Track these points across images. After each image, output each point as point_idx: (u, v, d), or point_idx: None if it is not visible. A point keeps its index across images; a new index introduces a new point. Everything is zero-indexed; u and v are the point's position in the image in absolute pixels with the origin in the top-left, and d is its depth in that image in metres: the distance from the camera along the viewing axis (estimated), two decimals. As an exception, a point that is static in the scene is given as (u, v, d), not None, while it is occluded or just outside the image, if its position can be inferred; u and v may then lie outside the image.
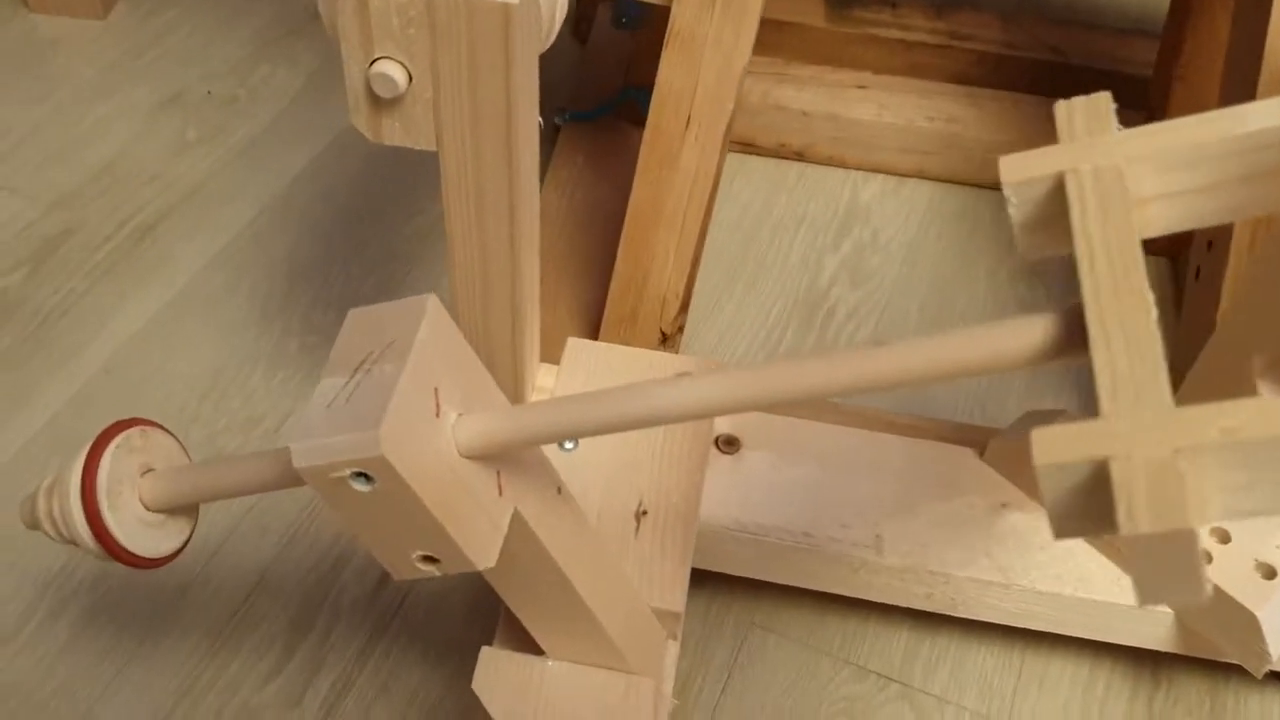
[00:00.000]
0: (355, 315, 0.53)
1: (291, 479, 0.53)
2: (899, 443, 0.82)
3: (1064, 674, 0.83)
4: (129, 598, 0.82)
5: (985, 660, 0.84)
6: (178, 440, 0.59)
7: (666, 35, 0.80)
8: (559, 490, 0.60)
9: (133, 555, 0.56)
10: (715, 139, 0.82)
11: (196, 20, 1.27)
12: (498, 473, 0.54)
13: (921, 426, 0.85)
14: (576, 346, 0.80)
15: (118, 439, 0.56)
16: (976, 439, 0.83)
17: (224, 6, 1.29)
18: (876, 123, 1.14)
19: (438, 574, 0.53)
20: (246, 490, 0.55)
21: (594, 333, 0.92)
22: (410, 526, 0.51)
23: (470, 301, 0.69)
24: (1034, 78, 1.19)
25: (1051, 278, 1.09)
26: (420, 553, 0.52)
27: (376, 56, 0.58)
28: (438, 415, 0.51)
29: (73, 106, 1.16)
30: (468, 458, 0.52)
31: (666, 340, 0.88)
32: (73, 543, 0.57)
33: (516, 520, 0.55)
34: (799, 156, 1.16)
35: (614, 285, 0.86)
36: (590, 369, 0.80)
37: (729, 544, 0.77)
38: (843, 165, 1.17)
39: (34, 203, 1.07)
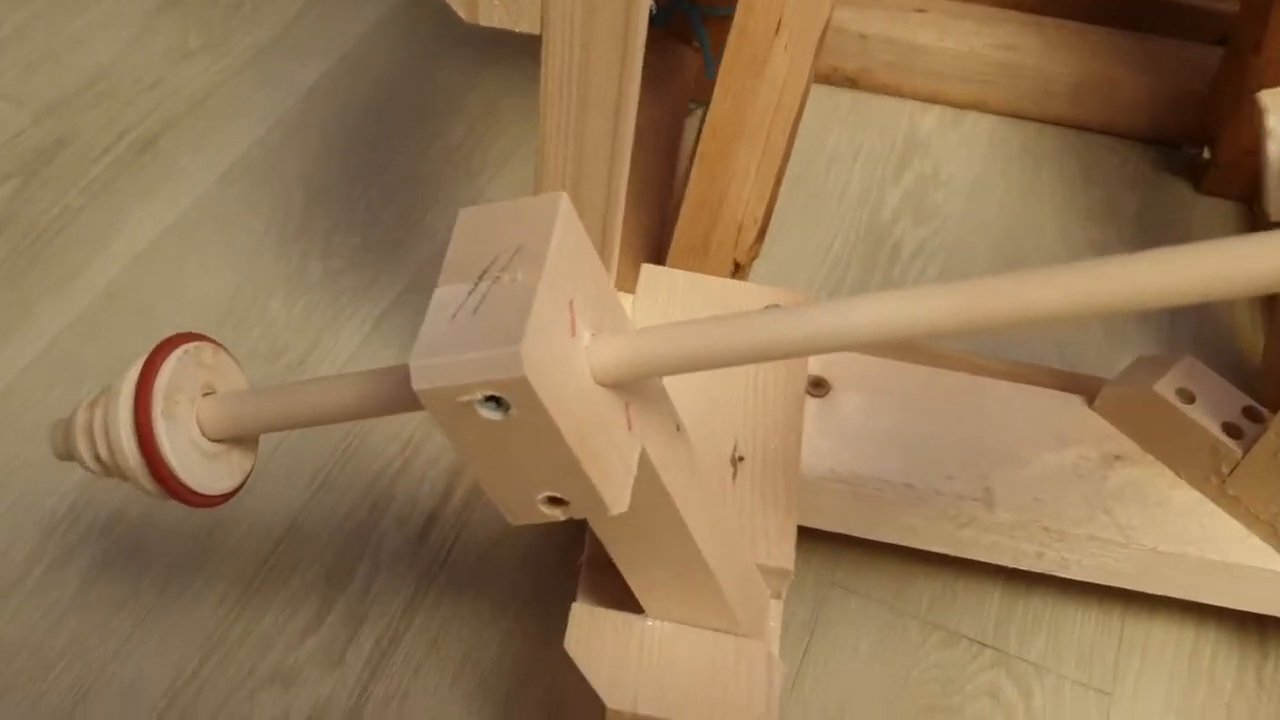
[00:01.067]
0: (469, 215, 0.45)
1: (397, 403, 0.45)
2: (1001, 388, 0.75)
3: (1167, 640, 0.77)
4: (145, 542, 0.74)
5: (1083, 625, 0.77)
6: (244, 375, 0.51)
7: (759, -72, 0.72)
8: (678, 428, 0.52)
9: (182, 486, 0.48)
10: (808, 45, 0.73)
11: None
12: (626, 405, 0.46)
13: (1017, 371, 0.78)
14: (652, 274, 0.72)
15: (187, 346, 0.48)
16: (1078, 386, 0.77)
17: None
18: (937, 48, 1.06)
19: (561, 518, 0.46)
20: (333, 417, 0.47)
21: (653, 261, 0.83)
22: (541, 462, 0.43)
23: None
24: (1097, 6, 1.12)
25: (1124, 220, 1.02)
26: (547, 494, 0.45)
27: (483, -86, 0.50)
28: (573, 334, 0.43)
29: (62, 7, 1.06)
30: (600, 384, 0.44)
31: (739, 270, 0.80)
32: (114, 471, 0.48)
33: (641, 460, 0.48)
34: (852, 83, 1.08)
35: (686, 208, 0.78)
36: (668, 298, 0.72)
37: (822, 495, 0.70)
38: (898, 94, 1.09)
39: (21, 109, 0.97)
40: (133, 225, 0.90)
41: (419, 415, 0.81)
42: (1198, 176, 1.05)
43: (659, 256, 0.84)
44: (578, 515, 0.45)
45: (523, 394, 0.40)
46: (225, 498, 0.50)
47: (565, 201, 0.44)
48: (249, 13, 1.09)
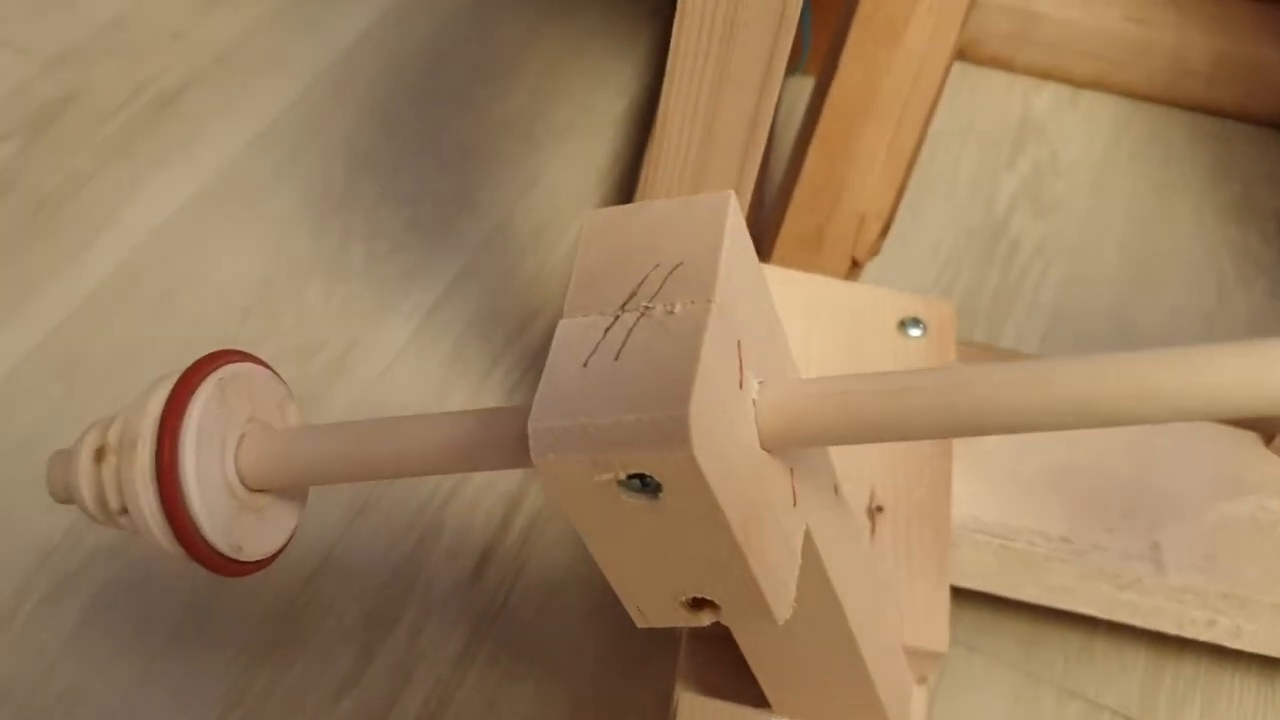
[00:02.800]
0: (602, 220, 0.34)
1: (507, 458, 0.34)
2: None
3: (1343, 720, 0.66)
4: (155, 574, 0.63)
5: (1243, 695, 0.66)
6: (300, 411, 0.40)
7: None
8: (836, 490, 0.41)
9: (206, 545, 0.37)
10: (955, 9, 0.62)
11: None
12: (791, 471, 0.35)
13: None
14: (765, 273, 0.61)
15: (234, 366, 0.37)
16: (1252, 419, 0.65)
17: None
18: (1060, 19, 0.94)
19: (705, 624, 0.35)
20: (416, 468, 0.36)
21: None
22: (692, 556, 0.32)
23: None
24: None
25: (1265, 216, 0.90)
26: (692, 595, 0.33)
27: None
28: (741, 385, 0.32)
29: (75, -56, 0.94)
30: (767, 449, 0.33)
31: (855, 269, 0.69)
32: (118, 515, 0.37)
33: (804, 541, 0.37)
34: (958, 54, 0.97)
35: (799, 194, 0.66)
36: (784, 304, 0.60)
37: (965, 549, 0.59)
38: (1009, 68, 0.97)
39: (26, 58, 0.85)
40: (149, 195, 0.79)
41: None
42: (1348, 173, 0.93)
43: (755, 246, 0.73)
44: (730, 621, 0.34)
45: (684, 473, 0.29)
46: (258, 566, 0.39)
47: (734, 203, 0.33)
48: (284, -45, 0.97)
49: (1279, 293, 0.85)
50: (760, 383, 0.33)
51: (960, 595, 0.63)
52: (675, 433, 0.28)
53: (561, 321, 0.32)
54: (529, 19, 0.94)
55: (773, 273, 0.61)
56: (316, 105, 0.86)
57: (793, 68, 0.91)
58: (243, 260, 0.76)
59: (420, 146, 0.85)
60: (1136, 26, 0.94)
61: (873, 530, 0.52)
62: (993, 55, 0.96)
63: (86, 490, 0.38)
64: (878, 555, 0.51)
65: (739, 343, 0.32)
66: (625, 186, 0.85)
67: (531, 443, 0.30)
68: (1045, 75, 0.97)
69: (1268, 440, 0.64)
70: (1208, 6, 0.95)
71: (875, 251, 0.68)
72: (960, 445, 0.61)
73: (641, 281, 0.32)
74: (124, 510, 0.37)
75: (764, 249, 0.70)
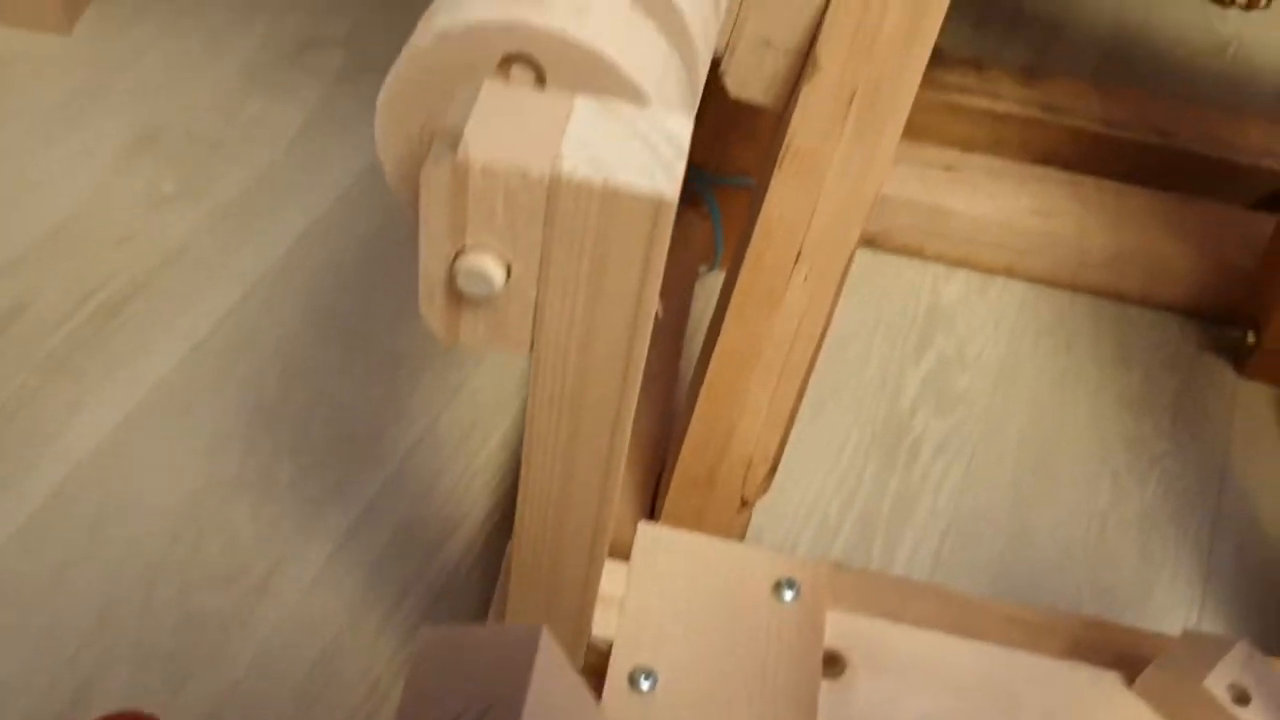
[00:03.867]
0: (431, 643, 0.38)
1: None
2: (1035, 666, 0.68)
3: None
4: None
5: None
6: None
7: (780, 152, 0.65)
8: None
9: None
10: (830, 278, 0.66)
11: (177, 39, 1.09)
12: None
13: (1055, 625, 0.71)
14: (650, 536, 0.65)
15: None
16: (1118, 647, 0.69)
17: (211, 20, 1.12)
18: (967, 215, 0.99)
19: None
20: None
21: (642, 495, 0.76)
22: None
23: (539, 533, 0.54)
24: (1135, 162, 1.05)
25: (1161, 409, 0.94)
26: None
27: (467, 245, 0.43)
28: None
29: (24, 146, 0.99)
30: None
31: (745, 506, 0.73)
32: None
33: None
34: (869, 243, 1.01)
35: (689, 441, 0.71)
36: (668, 565, 0.64)
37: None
38: (920, 255, 1.02)
39: (-24, 267, 0.90)
40: (91, 411, 0.83)
41: (386, 656, 0.74)
42: (1241, 359, 0.98)
43: (660, 461, 0.77)
44: None
45: None
46: None
47: (545, 638, 0.37)
48: (231, 150, 1.01)
49: (1172, 489, 0.89)
50: (572, 792, 0.37)
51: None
52: None
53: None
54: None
55: (658, 533, 0.65)
56: (257, 310, 0.90)
57: (708, 264, 0.96)
58: (175, 480, 0.80)
59: (354, 348, 0.89)
60: (1041, 219, 0.99)
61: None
62: (903, 244, 1.01)
63: None
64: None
65: (547, 769, 0.36)
66: (548, 387, 0.89)
67: None
68: (956, 263, 1.02)
69: (1129, 677, 0.67)
70: (1108, 197, 1.00)
71: (764, 490, 0.72)
72: (831, 692, 0.65)
73: (458, 716, 0.36)
74: None
75: (664, 483, 0.74)
